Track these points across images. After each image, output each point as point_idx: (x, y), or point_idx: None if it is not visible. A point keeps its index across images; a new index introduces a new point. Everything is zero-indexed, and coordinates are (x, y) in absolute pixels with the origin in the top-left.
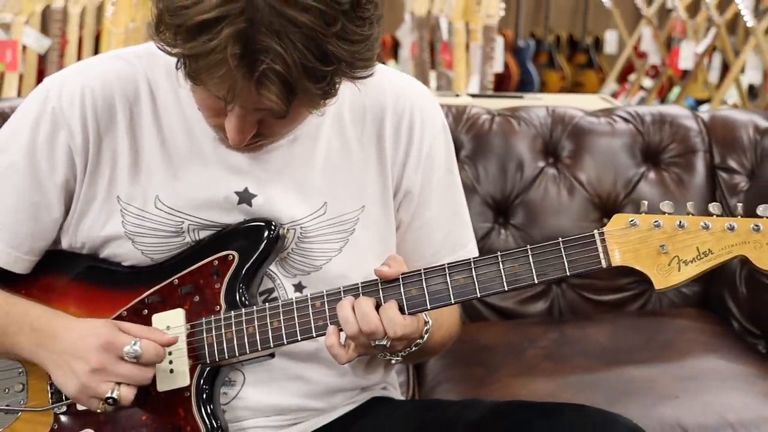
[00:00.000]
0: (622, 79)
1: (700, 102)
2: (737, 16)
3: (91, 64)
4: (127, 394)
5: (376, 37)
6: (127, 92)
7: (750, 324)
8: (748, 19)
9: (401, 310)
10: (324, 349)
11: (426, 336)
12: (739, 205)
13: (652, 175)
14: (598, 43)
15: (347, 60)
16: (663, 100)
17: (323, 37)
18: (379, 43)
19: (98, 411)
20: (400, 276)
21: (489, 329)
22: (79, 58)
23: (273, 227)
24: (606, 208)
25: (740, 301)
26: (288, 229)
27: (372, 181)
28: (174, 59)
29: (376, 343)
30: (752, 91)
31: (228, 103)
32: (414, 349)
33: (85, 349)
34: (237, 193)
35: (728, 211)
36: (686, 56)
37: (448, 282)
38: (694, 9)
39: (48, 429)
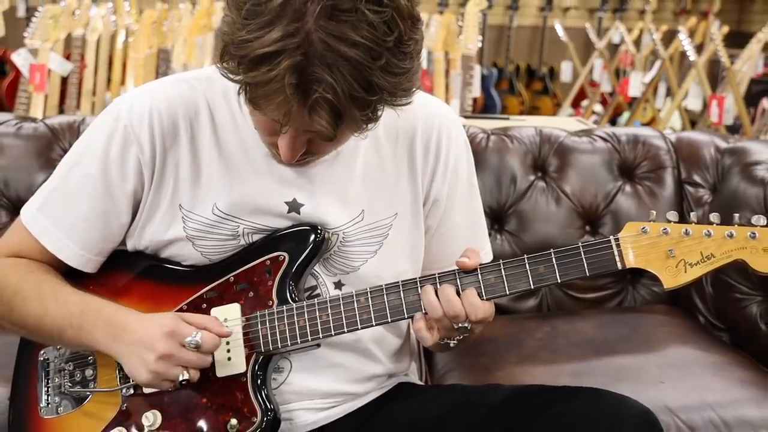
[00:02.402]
0: (575, 104)
1: (645, 125)
2: (677, 50)
3: (157, 87)
4: (195, 375)
5: (416, 70)
6: (189, 112)
7: (715, 319)
8: (691, 54)
9: (479, 296)
10: (360, 340)
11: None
12: (736, 215)
13: (627, 188)
14: (553, 72)
15: (390, 90)
16: (613, 123)
17: (369, 70)
18: (419, 75)
19: (169, 390)
20: (479, 266)
21: (488, 323)
22: (94, 80)
23: (319, 231)
24: (588, 216)
25: (707, 299)
26: (332, 234)
27: (404, 192)
28: (230, 83)
29: (459, 325)
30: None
31: (283, 126)
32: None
33: (152, 339)
34: (287, 202)
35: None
36: (635, 85)
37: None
38: (636, 44)
39: (117, 409)
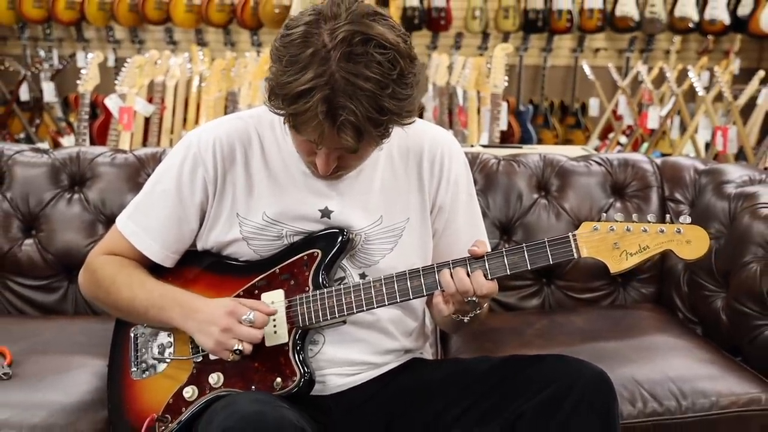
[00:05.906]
0: (604, 136)
1: (665, 155)
2: (692, 87)
3: (220, 122)
4: (248, 348)
5: (416, 96)
6: (244, 141)
7: (690, 314)
8: (699, 90)
9: (485, 276)
10: (380, 320)
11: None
12: (668, 216)
13: (618, 204)
14: (585, 108)
15: (397, 112)
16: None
17: (380, 97)
18: (419, 100)
19: (229, 359)
20: (485, 254)
21: (496, 317)
22: (172, 120)
23: (345, 233)
24: None
25: (683, 298)
26: (356, 235)
27: (414, 201)
28: (276, 117)
29: (468, 299)
30: (706, 147)
31: (318, 145)
32: (481, 310)
33: (217, 316)
34: (320, 210)
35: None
36: (653, 118)
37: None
38: (659, 81)
39: (189, 373)
